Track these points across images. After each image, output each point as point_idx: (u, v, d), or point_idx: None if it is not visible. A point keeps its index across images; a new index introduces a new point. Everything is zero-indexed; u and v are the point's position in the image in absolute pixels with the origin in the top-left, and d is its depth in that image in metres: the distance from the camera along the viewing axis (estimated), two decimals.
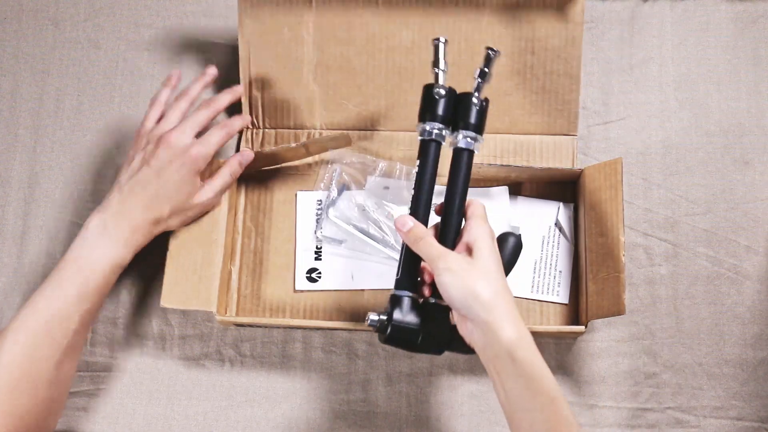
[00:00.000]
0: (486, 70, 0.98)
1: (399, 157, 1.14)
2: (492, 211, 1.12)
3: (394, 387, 1.07)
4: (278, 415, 1.06)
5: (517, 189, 1.13)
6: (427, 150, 0.97)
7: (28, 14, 1.21)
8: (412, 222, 0.94)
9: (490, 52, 0.98)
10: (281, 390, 1.07)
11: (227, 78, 1.16)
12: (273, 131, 1.15)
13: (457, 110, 0.97)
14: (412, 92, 1.12)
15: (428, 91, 0.97)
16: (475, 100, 0.97)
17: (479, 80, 0.98)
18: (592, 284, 1.04)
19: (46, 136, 1.16)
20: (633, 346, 1.08)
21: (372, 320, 0.94)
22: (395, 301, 0.94)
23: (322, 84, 1.12)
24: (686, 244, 1.12)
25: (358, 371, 1.08)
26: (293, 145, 1.10)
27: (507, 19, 1.06)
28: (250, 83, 1.12)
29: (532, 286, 1.09)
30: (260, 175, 1.14)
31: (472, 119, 0.97)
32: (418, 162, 0.98)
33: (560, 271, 1.10)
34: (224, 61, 1.17)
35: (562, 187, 1.13)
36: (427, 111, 0.97)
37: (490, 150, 1.15)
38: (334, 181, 1.12)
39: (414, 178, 1.12)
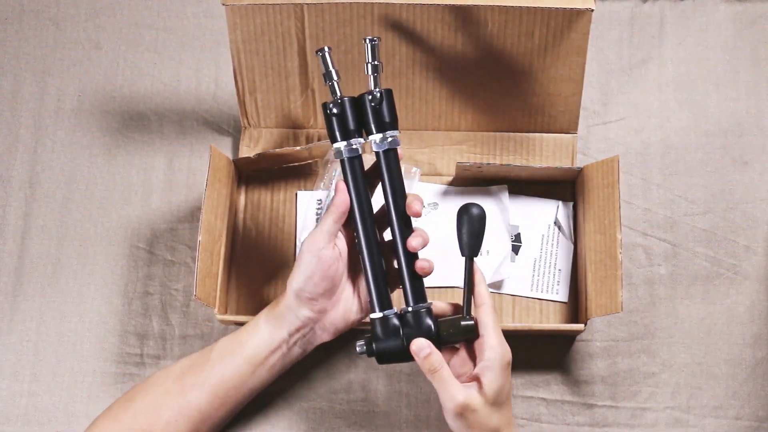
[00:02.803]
0: (377, 62, 0.95)
1: None
2: (491, 209, 1.12)
3: (394, 387, 1.07)
4: (278, 414, 1.06)
5: (516, 188, 1.13)
6: (353, 168, 0.95)
7: (29, 15, 1.21)
8: (429, 349, 0.92)
9: (372, 42, 0.95)
10: (281, 390, 1.07)
11: (229, 80, 1.16)
12: (272, 130, 1.16)
13: (363, 114, 0.95)
14: (410, 91, 1.12)
15: (324, 110, 0.95)
16: (378, 96, 0.94)
17: (374, 74, 0.95)
18: (590, 282, 1.05)
19: (46, 136, 1.17)
20: (632, 346, 1.09)
21: (360, 349, 0.95)
22: (375, 326, 0.95)
23: (320, 85, 1.12)
24: (685, 244, 1.12)
25: (358, 371, 1.08)
26: (297, 148, 1.10)
27: (513, 25, 1.06)
28: (244, 85, 1.12)
29: (532, 285, 1.10)
30: (260, 175, 1.14)
31: (386, 118, 0.95)
32: (341, 183, 0.95)
33: (560, 270, 1.10)
34: (225, 61, 1.17)
35: (562, 185, 1.13)
36: (332, 131, 0.95)
37: (490, 149, 1.15)
38: (334, 181, 1.12)
39: (414, 177, 1.12)
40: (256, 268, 1.11)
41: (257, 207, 1.13)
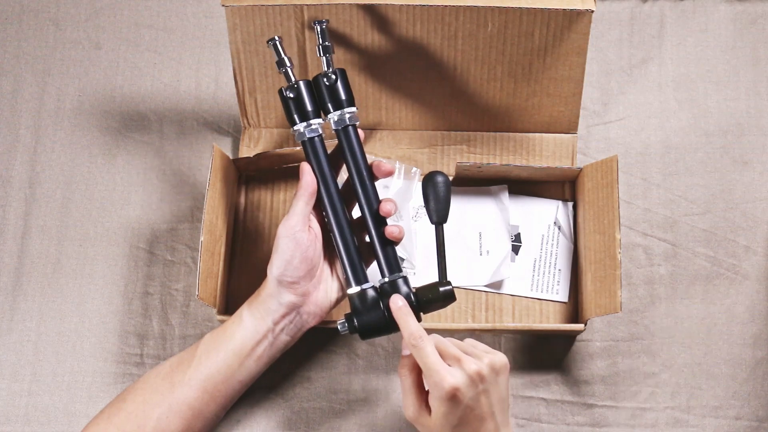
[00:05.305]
0: (327, 44, 0.99)
1: (398, 156, 1.14)
2: (491, 209, 1.12)
3: (395, 386, 1.07)
4: (278, 414, 1.06)
5: (516, 188, 1.13)
6: (314, 148, 0.98)
7: (29, 14, 1.21)
8: (406, 307, 0.94)
9: (321, 25, 0.99)
10: (281, 390, 1.07)
11: (229, 80, 1.16)
12: (272, 130, 1.16)
13: (320, 94, 0.98)
14: (410, 90, 1.12)
15: (281, 95, 0.98)
16: (332, 77, 0.97)
17: (326, 56, 0.98)
18: (590, 282, 1.05)
19: (46, 136, 1.17)
20: (632, 346, 1.09)
21: (342, 327, 0.97)
22: (354, 301, 0.96)
23: None
24: (685, 243, 1.12)
25: (358, 371, 1.08)
26: (297, 148, 1.10)
27: (513, 26, 1.06)
28: (244, 86, 1.12)
29: (532, 285, 1.10)
30: (260, 175, 1.14)
31: (342, 95, 0.97)
32: (305, 165, 0.97)
33: (559, 270, 1.10)
34: (225, 61, 1.17)
35: (562, 185, 1.13)
36: (290, 114, 0.98)
37: (490, 149, 1.15)
38: None
39: (414, 177, 1.12)
40: (256, 268, 1.11)
41: (257, 207, 1.13)
